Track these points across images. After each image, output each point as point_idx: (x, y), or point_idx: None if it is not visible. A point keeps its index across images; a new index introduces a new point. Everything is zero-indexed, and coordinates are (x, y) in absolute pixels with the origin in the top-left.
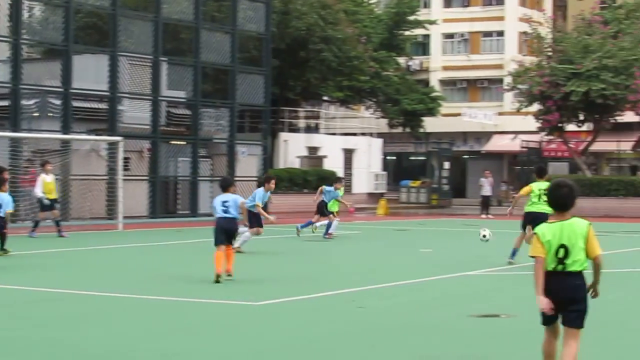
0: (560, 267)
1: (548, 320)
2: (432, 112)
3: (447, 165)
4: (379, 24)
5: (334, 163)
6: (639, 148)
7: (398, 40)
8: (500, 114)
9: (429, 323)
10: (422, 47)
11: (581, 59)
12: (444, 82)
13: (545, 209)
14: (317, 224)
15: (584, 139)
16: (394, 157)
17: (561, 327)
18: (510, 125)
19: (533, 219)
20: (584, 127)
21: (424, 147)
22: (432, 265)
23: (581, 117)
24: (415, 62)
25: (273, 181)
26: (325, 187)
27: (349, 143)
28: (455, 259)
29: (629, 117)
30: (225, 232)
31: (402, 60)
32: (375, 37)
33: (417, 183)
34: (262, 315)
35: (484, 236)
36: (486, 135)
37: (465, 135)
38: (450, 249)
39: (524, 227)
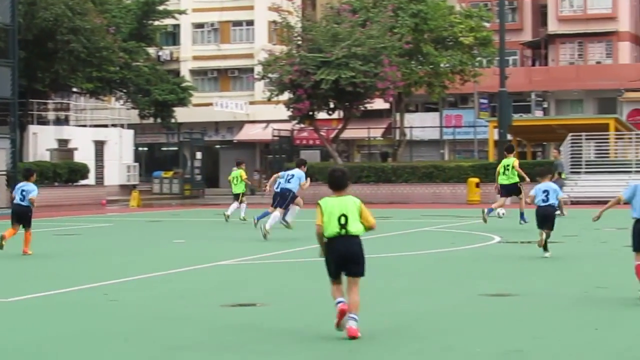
0: (343, 231)
1: (336, 274)
2: (183, 102)
3: (199, 155)
4: (128, 14)
5: (85, 155)
6: (389, 135)
7: (148, 31)
8: (252, 103)
9: (183, 314)
10: (172, 37)
11: (330, 47)
12: (194, 72)
13: (502, 180)
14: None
15: (335, 127)
16: (146, 148)
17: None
18: (262, 114)
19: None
20: (335, 115)
21: (176, 137)
22: (185, 256)
23: (332, 105)
24: (165, 53)
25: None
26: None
27: (100, 135)
28: (208, 249)
29: (378, 104)
30: (19, 216)
31: (152, 50)
32: (124, 27)
33: (170, 174)
34: (13, 312)
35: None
36: (238, 125)
37: (217, 125)
38: (203, 239)
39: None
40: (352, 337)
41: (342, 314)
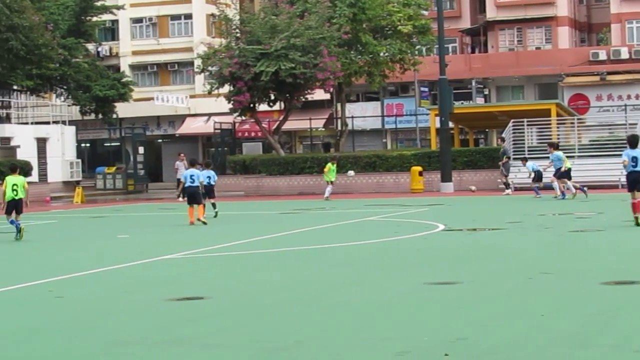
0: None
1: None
2: (124, 98)
3: (141, 150)
4: (65, 10)
5: (27, 153)
6: (330, 125)
7: (86, 27)
8: (192, 96)
9: (128, 309)
10: (111, 32)
11: (269, 39)
12: (134, 67)
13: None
14: None
15: (276, 119)
16: (89, 144)
17: None
18: (202, 107)
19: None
20: (276, 107)
21: (118, 133)
22: (129, 251)
23: (272, 97)
24: (104, 48)
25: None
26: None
27: (42, 132)
28: (152, 244)
29: (319, 95)
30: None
31: (91, 46)
32: (62, 24)
33: (113, 169)
34: None
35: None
36: (179, 119)
37: (158, 119)
38: (147, 234)
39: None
40: None
41: None
